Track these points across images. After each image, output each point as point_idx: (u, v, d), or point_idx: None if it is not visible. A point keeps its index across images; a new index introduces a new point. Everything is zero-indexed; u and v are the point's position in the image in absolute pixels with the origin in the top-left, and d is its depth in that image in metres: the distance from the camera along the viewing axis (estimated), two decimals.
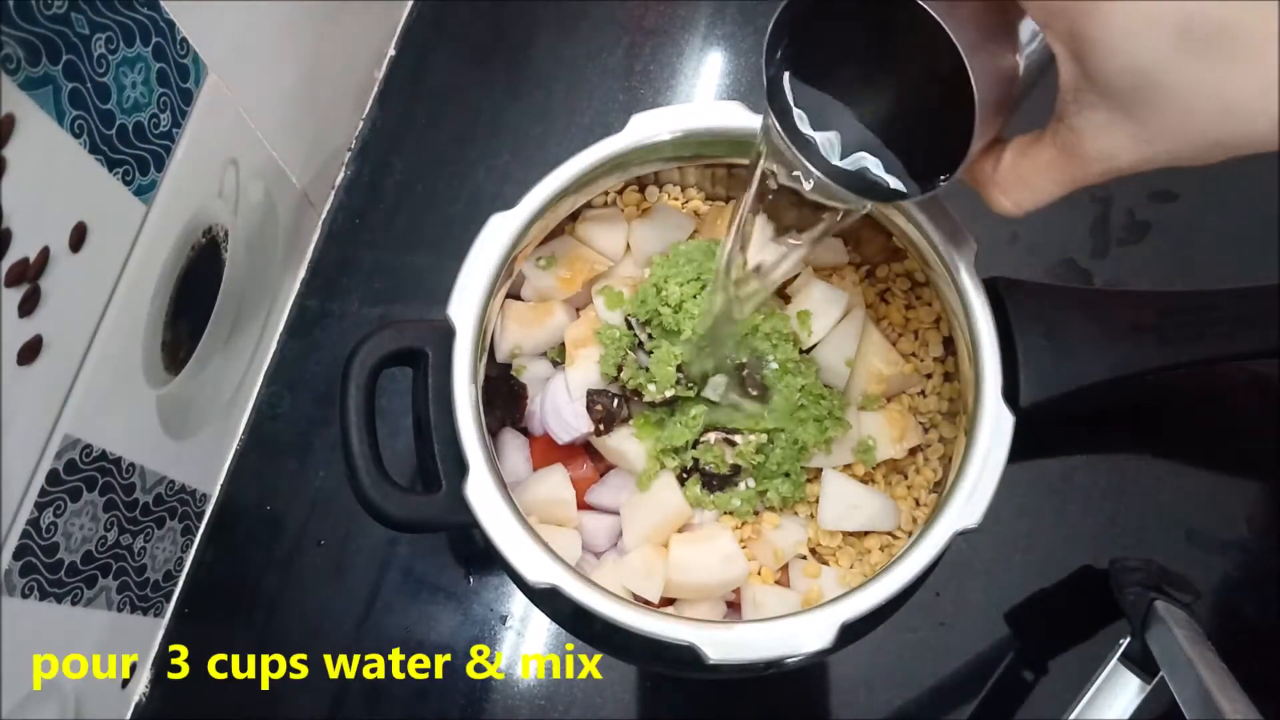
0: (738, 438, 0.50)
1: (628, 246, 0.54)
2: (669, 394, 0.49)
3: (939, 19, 0.32)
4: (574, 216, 0.53)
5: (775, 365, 0.50)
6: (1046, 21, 0.32)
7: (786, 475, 0.50)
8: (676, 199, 0.56)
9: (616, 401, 0.50)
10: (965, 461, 0.43)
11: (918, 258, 0.50)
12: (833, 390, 0.51)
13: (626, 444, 0.50)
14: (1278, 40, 0.28)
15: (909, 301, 0.54)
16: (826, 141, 0.39)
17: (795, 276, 0.53)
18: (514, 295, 0.53)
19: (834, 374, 0.52)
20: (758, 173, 0.41)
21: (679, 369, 0.49)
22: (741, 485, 0.51)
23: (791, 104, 0.39)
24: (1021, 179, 0.35)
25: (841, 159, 0.39)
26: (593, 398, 0.50)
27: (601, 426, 0.50)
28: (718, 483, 0.50)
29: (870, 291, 0.55)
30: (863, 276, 0.55)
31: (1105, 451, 0.60)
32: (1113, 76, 0.31)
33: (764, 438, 0.50)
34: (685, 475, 0.51)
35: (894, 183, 0.38)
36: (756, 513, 0.51)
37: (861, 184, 0.39)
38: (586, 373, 0.51)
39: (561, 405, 0.51)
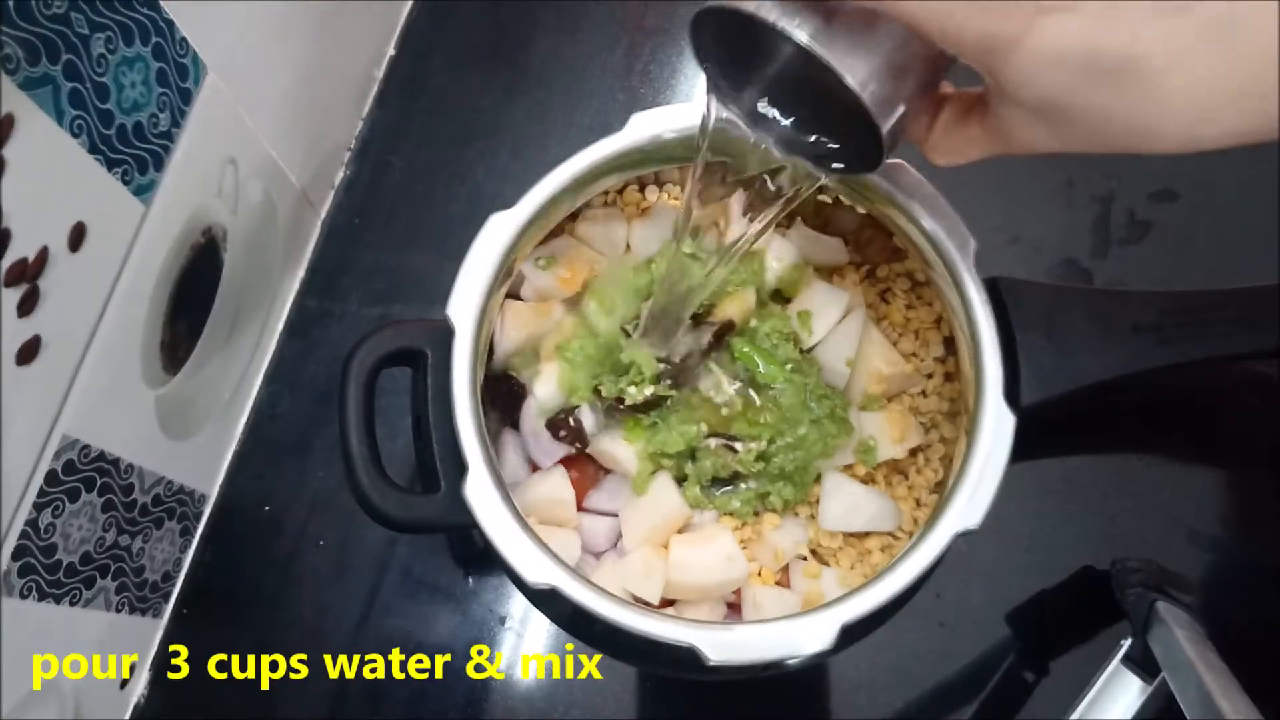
0: (738, 444, 0.50)
1: (628, 246, 0.54)
2: (649, 392, 0.49)
3: (830, 63, 0.33)
4: (574, 216, 0.53)
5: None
6: (959, 54, 0.33)
7: (790, 479, 0.50)
8: (676, 199, 0.56)
9: (579, 418, 0.50)
10: (966, 462, 0.43)
11: (918, 257, 0.50)
12: (835, 390, 0.51)
13: (618, 449, 0.50)
14: (1179, 67, 0.30)
15: (909, 301, 0.54)
16: (775, 118, 0.40)
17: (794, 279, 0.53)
18: (514, 295, 0.53)
19: (834, 374, 0.52)
20: (699, 163, 0.42)
21: (663, 360, 0.49)
22: (742, 486, 0.51)
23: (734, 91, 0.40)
24: (952, 147, 0.38)
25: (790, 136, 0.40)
26: (553, 426, 0.50)
27: (577, 445, 0.50)
28: (716, 485, 0.50)
29: (871, 291, 0.55)
30: (863, 276, 0.55)
31: (1106, 452, 0.60)
32: (1026, 101, 0.32)
33: (764, 444, 0.50)
34: (683, 478, 0.51)
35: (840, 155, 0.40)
36: (757, 514, 0.51)
37: (816, 154, 0.40)
38: (549, 393, 0.51)
39: (540, 430, 0.51)
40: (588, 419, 0.50)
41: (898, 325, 0.54)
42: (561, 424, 0.50)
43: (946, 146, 0.38)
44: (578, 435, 0.50)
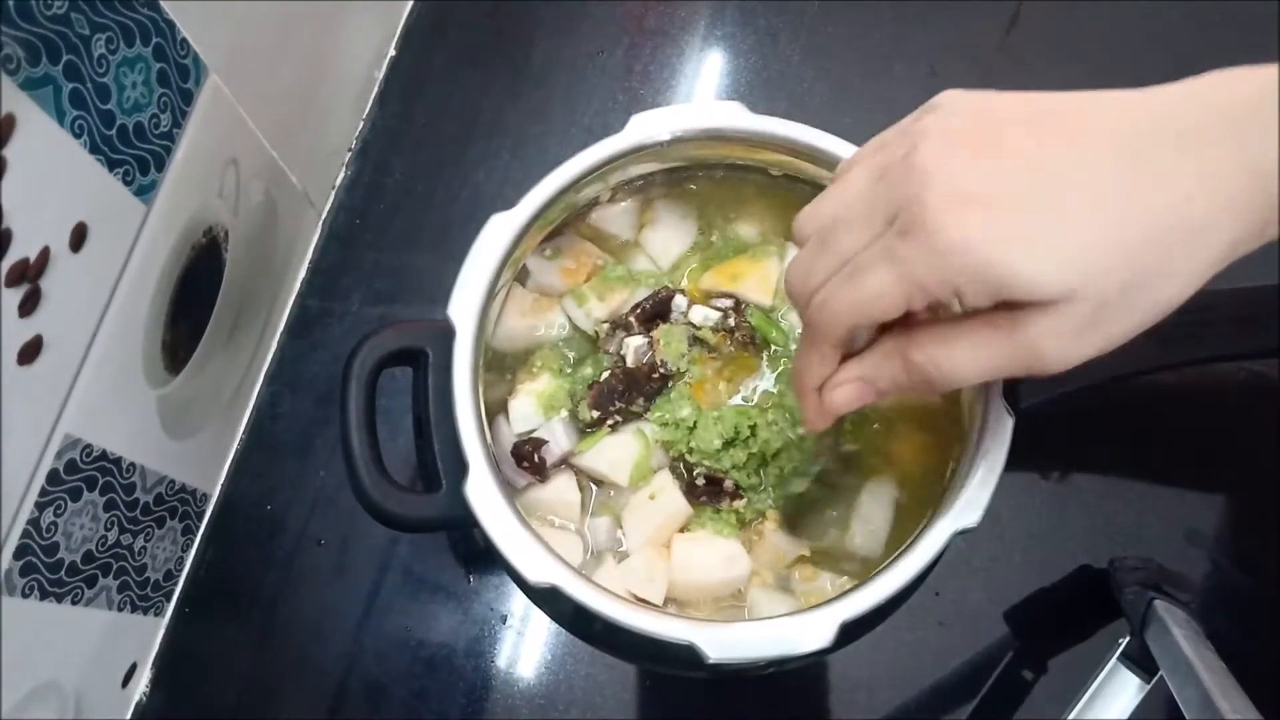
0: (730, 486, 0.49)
1: (636, 242, 0.54)
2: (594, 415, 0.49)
3: None
4: (581, 212, 0.53)
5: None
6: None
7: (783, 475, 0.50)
8: (677, 199, 0.56)
9: (544, 455, 0.49)
10: (964, 461, 0.44)
11: None
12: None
13: (597, 462, 0.50)
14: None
15: None
16: None
17: None
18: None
19: None
20: None
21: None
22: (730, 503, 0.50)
23: None
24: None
25: None
26: (518, 454, 0.49)
27: (538, 479, 0.49)
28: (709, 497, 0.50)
29: None
30: None
31: (1105, 451, 0.60)
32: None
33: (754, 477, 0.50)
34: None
35: None
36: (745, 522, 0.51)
37: None
38: (522, 414, 0.50)
39: (507, 455, 0.50)
40: (562, 438, 0.49)
41: None
42: (526, 455, 0.49)
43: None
44: (539, 469, 0.49)
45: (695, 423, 0.49)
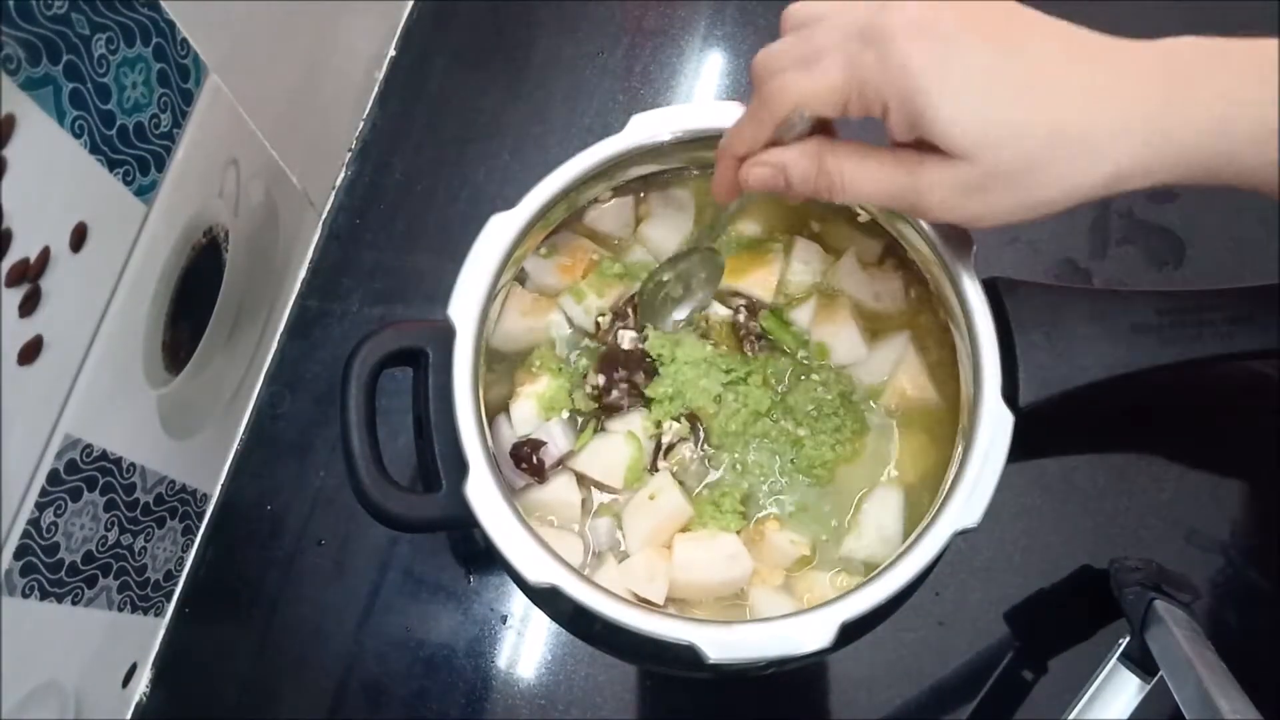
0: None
1: (633, 238, 0.54)
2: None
3: None
4: (579, 211, 0.53)
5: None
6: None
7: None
8: (673, 193, 0.56)
9: (543, 456, 0.49)
10: (964, 461, 0.43)
11: (918, 257, 0.50)
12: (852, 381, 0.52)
13: (590, 467, 0.50)
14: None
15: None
16: None
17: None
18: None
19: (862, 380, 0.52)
20: None
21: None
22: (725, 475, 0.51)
23: None
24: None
25: None
26: (516, 455, 0.49)
27: (537, 480, 0.49)
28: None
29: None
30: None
31: (1105, 451, 0.60)
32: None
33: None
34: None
35: None
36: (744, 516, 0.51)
37: None
38: (523, 416, 0.51)
39: (507, 456, 0.50)
40: (560, 440, 0.50)
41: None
42: (525, 457, 0.49)
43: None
44: (538, 470, 0.49)
45: (685, 388, 0.50)
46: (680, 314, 0.52)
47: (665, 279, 0.52)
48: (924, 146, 0.38)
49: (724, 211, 0.49)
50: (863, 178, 0.40)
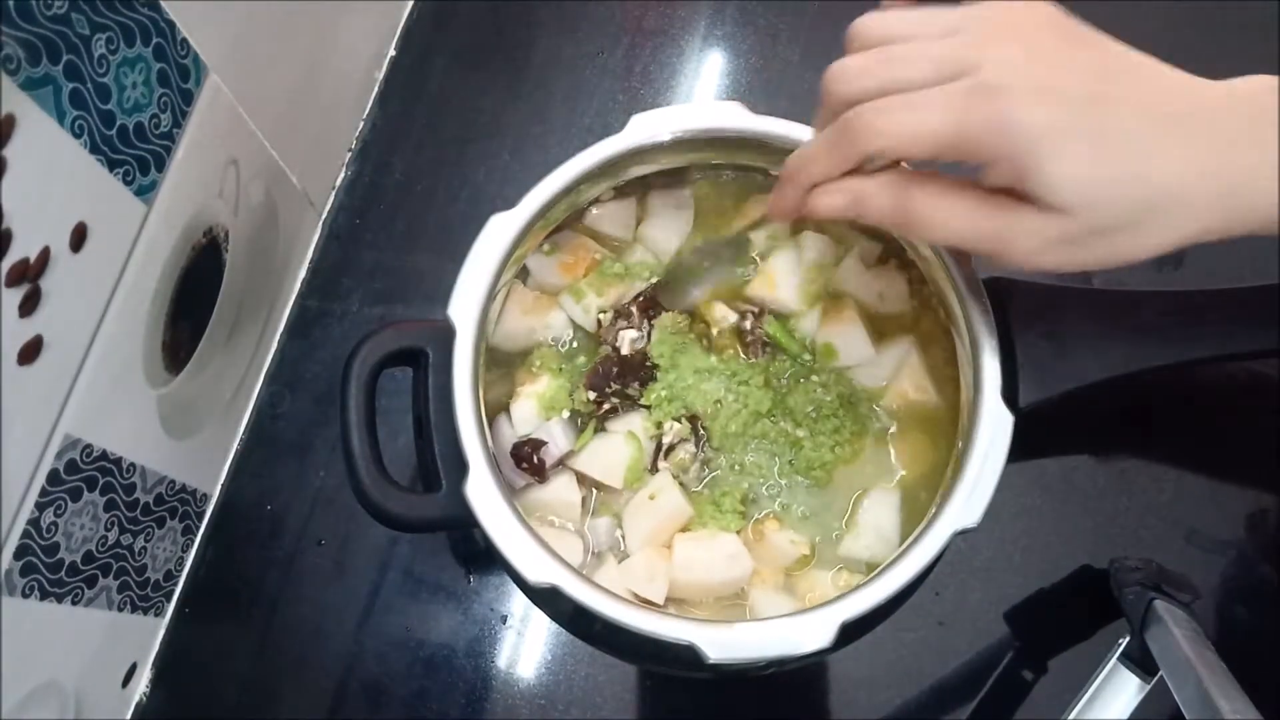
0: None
1: (635, 236, 0.54)
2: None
3: None
4: (580, 211, 0.53)
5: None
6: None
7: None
8: (674, 193, 0.56)
9: (544, 456, 0.49)
10: (964, 461, 0.43)
11: (918, 258, 0.50)
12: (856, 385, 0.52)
13: (590, 466, 0.50)
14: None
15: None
16: None
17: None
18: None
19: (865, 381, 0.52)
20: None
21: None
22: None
23: None
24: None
25: None
26: (517, 454, 0.49)
27: (537, 479, 0.49)
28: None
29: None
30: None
31: (1105, 451, 0.60)
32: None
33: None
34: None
35: None
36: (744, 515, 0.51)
37: None
38: (524, 415, 0.51)
39: (508, 455, 0.50)
40: (560, 439, 0.49)
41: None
42: (525, 456, 0.49)
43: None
44: (538, 470, 0.49)
45: (684, 393, 0.50)
46: (699, 291, 0.52)
47: (692, 263, 0.52)
48: (1013, 192, 0.37)
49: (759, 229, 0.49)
50: (949, 219, 0.38)
